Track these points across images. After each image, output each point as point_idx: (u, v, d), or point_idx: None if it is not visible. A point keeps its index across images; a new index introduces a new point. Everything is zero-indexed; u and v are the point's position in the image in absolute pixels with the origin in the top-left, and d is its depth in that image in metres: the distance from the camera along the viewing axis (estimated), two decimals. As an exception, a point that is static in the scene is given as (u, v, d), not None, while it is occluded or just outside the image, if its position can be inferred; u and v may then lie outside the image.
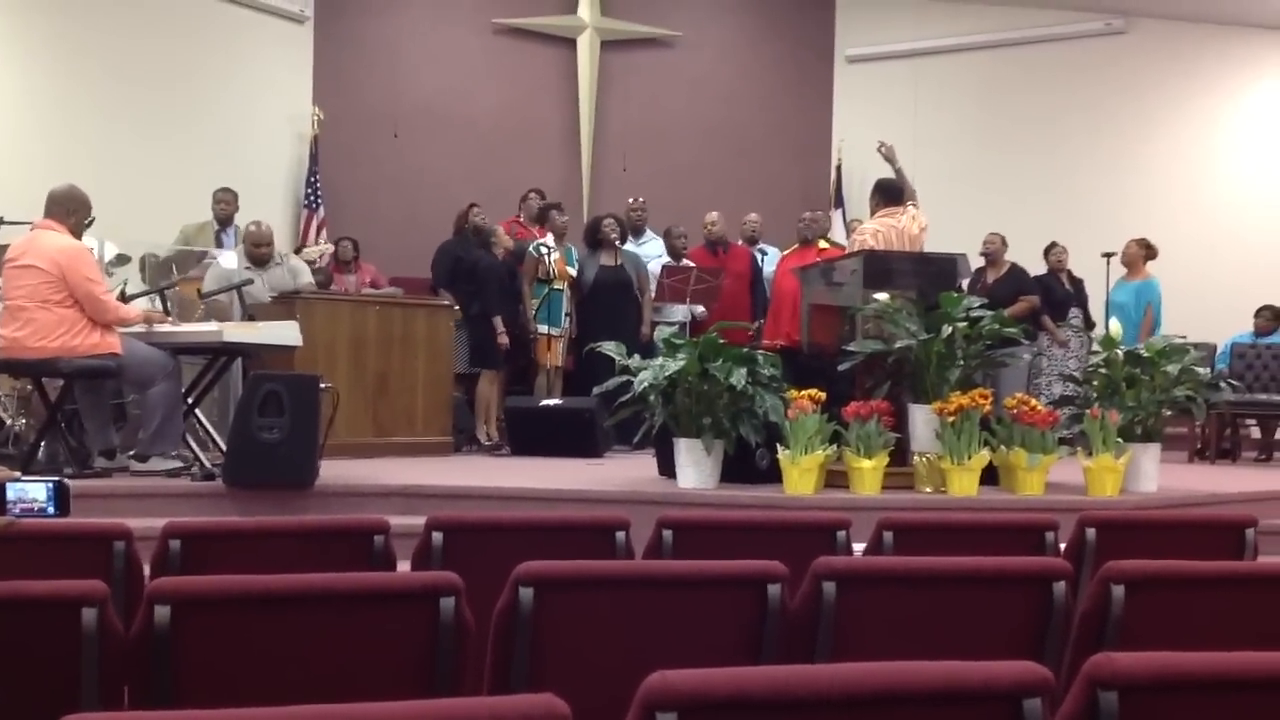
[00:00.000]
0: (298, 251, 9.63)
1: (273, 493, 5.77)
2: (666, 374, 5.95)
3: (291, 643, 2.32)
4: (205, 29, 10.92)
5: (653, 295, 9.40)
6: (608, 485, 6.34)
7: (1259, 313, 10.00)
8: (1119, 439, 6.10)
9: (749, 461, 6.22)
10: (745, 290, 9.91)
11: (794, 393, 5.97)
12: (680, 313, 9.37)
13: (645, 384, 5.99)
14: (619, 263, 9.39)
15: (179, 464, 6.21)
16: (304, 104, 11.59)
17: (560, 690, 1.58)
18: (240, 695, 2.14)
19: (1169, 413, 6.48)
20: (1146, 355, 6.34)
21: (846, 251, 7.24)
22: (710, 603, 2.53)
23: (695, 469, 6.04)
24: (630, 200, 10.38)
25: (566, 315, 9.38)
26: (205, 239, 8.73)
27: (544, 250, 9.23)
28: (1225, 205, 11.35)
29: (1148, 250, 9.91)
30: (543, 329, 9.10)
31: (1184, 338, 6.81)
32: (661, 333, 6.48)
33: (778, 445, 5.94)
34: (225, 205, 9.00)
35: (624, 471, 7.16)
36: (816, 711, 1.65)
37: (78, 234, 6.20)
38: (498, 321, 8.84)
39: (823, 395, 5.95)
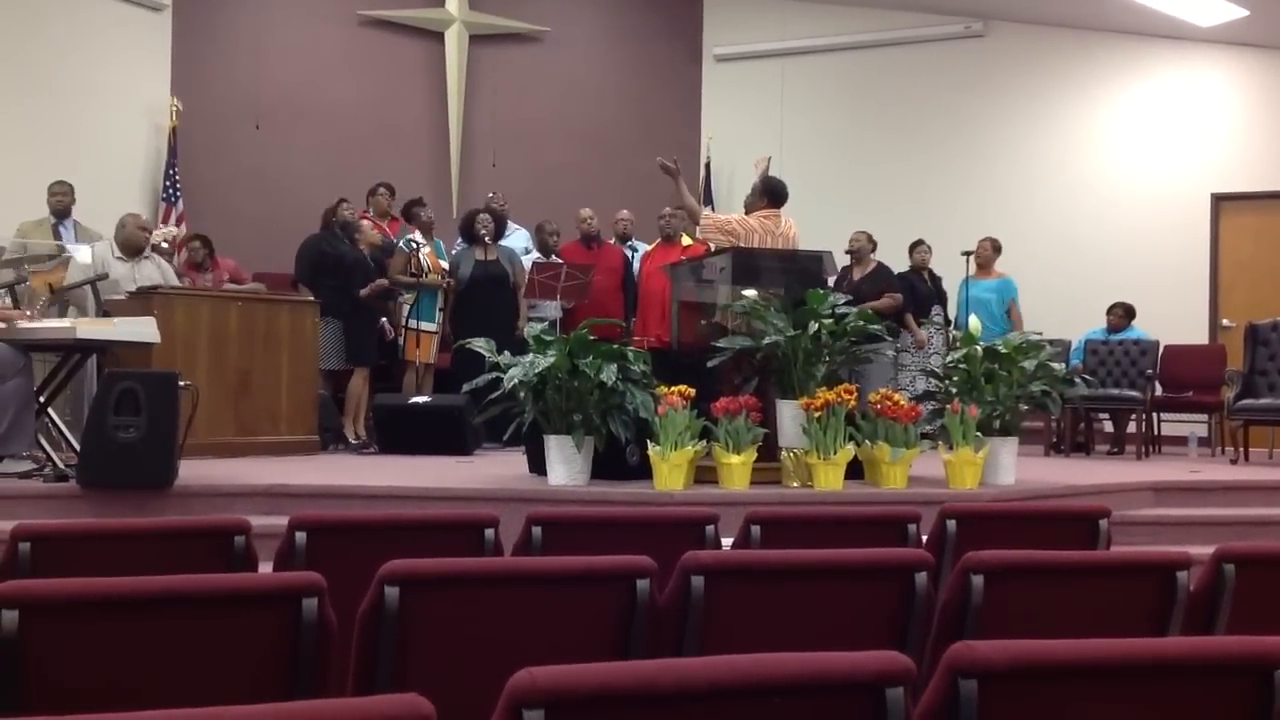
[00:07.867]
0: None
1: (129, 494, 5.60)
2: (536, 371, 5.93)
3: (147, 647, 2.25)
4: (56, 16, 10.54)
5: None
6: (477, 483, 6.29)
7: (1111, 309, 10.29)
8: (978, 433, 6.25)
9: (619, 458, 6.22)
10: (618, 287, 9.93)
11: (664, 389, 6.00)
12: (552, 309, 9.35)
13: (515, 381, 5.96)
14: (494, 257, 9.35)
15: (31, 464, 6.00)
16: (162, 94, 11.27)
17: (426, 690, 1.56)
18: (94, 702, 2.07)
19: (1026, 407, 6.65)
20: (1004, 351, 6.51)
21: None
22: (579, 599, 2.52)
23: (565, 466, 6.02)
24: (490, 194, 10.32)
25: (440, 310, 9.32)
26: (43, 234, 8.41)
27: (415, 245, 9.15)
28: (1080, 204, 11.67)
29: (999, 249, 10.24)
30: (415, 325, 9.02)
31: (1040, 334, 6.99)
32: (532, 329, 6.43)
33: (648, 441, 5.95)
34: (61, 198, 8.68)
35: (494, 469, 7.11)
36: (682, 704, 1.65)
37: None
38: (384, 321, 8.83)
39: (692, 391, 5.97)
